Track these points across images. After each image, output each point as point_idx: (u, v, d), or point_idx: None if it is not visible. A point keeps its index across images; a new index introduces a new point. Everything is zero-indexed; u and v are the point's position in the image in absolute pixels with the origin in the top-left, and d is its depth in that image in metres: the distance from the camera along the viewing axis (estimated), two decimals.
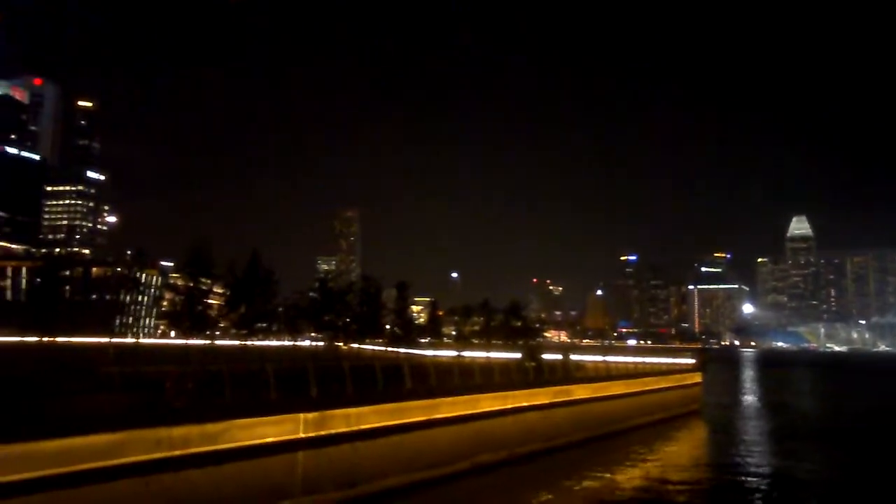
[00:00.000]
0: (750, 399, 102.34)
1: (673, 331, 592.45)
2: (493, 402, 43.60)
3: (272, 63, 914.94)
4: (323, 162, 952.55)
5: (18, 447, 21.29)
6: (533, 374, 54.76)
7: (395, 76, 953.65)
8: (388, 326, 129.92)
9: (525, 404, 46.59)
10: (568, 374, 60.64)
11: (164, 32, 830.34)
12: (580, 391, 54.70)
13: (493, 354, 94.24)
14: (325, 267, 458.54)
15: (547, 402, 49.14)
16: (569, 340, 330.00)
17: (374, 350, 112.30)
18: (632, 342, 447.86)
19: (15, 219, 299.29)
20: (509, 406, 45.05)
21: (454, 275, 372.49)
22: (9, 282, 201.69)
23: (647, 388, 67.32)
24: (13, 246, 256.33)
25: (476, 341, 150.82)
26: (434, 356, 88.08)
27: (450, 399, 40.15)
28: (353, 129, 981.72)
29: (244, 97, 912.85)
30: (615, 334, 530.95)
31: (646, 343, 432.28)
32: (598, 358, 75.64)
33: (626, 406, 61.16)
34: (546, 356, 72.86)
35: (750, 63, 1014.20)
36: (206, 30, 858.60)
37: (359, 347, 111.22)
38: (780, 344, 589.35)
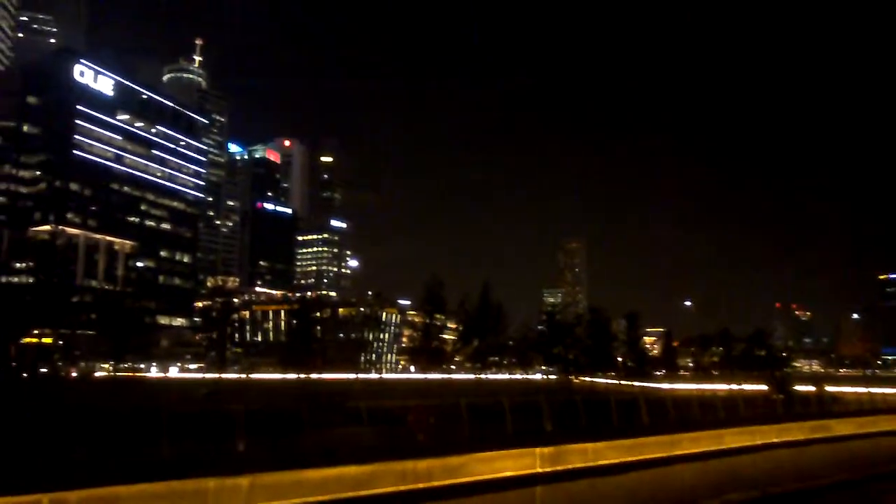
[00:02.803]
0: None
1: None
2: (738, 438, 40.76)
3: (492, 99, 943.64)
4: (546, 193, 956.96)
5: (289, 475, 23.46)
6: (782, 408, 50.55)
7: (618, 107, 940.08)
8: (619, 359, 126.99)
9: (776, 440, 43.03)
10: (823, 407, 55.20)
11: (387, 84, 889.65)
12: (841, 426, 49.38)
13: (736, 386, 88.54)
14: (552, 300, 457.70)
15: (801, 438, 44.97)
16: (822, 370, 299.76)
17: (607, 383, 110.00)
18: None
19: (274, 267, 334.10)
20: (758, 442, 41.85)
21: (687, 303, 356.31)
22: (270, 323, 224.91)
23: None
24: (273, 291, 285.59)
25: (716, 373, 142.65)
26: (671, 389, 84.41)
27: (691, 434, 38.16)
28: (575, 158, 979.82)
29: (465, 134, 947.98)
30: (878, 362, 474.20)
31: None
32: (860, 389, 68.20)
33: None
34: (797, 387, 67.12)
35: None
36: (427, 73, 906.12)
37: (591, 381, 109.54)
38: None
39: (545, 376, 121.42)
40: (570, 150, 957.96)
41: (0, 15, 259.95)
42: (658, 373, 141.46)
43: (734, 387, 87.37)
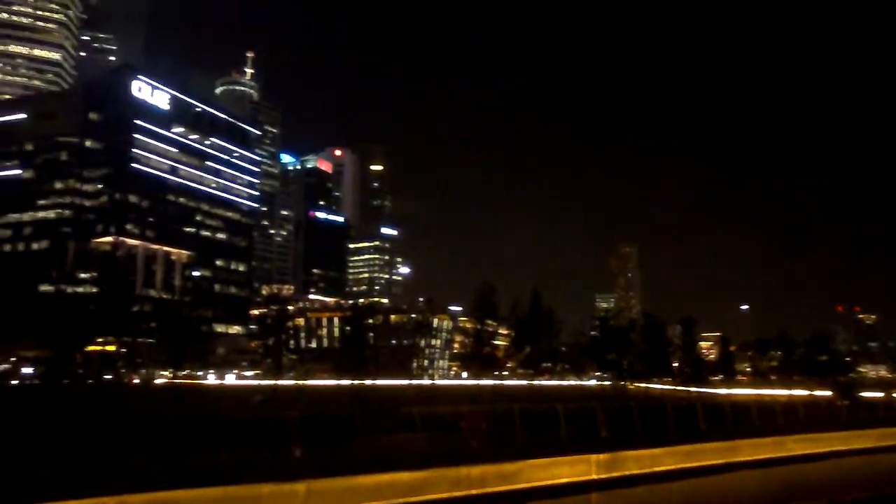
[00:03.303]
0: None
1: None
2: (801, 445, 39.63)
3: (539, 103, 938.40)
4: (595, 198, 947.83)
5: (344, 481, 23.63)
6: (848, 414, 48.94)
7: (669, 111, 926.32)
8: (675, 364, 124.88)
9: (842, 448, 41.65)
10: (893, 413, 53.23)
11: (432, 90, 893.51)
12: None
13: (796, 392, 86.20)
14: (604, 305, 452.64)
15: (870, 445, 43.42)
16: (889, 375, 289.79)
17: (662, 389, 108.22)
18: None
19: (327, 275, 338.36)
20: (822, 450, 40.58)
21: (744, 307, 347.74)
22: (325, 330, 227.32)
23: None
24: (326, 299, 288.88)
25: (774, 378, 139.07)
26: (728, 394, 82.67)
27: (750, 441, 37.24)
28: (623, 163, 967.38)
29: (513, 137, 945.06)
30: None
31: None
32: None
33: None
34: (863, 393, 65.17)
35: None
36: (467, 79, 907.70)
37: (646, 386, 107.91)
38: None
39: (599, 382, 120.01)
40: (619, 154, 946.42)
41: (64, 35, 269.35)
42: (715, 378, 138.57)
43: (797, 392, 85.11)
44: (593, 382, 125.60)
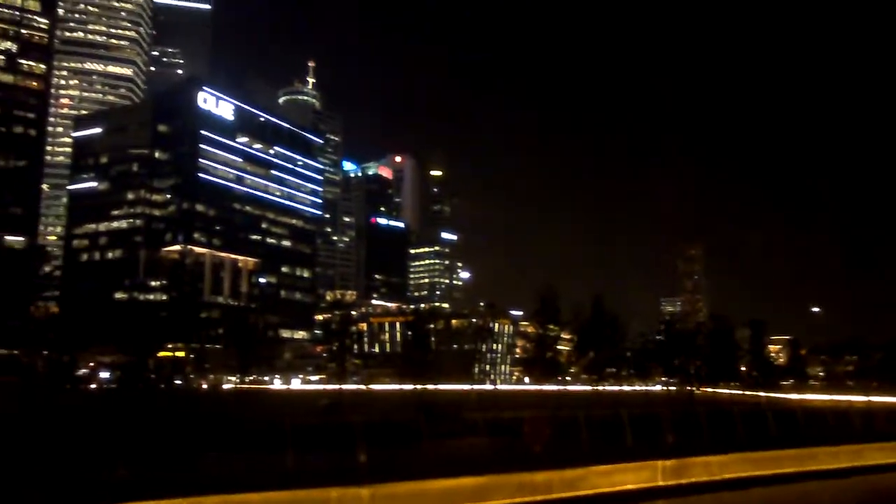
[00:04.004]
0: None
1: None
2: (882, 454, 38.14)
3: (601, 104, 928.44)
4: (661, 199, 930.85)
5: (409, 486, 23.83)
6: None
7: (726, 108, 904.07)
8: (743, 369, 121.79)
9: None
10: None
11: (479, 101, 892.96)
12: None
13: (875, 398, 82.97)
14: (670, 308, 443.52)
15: None
16: None
17: (730, 394, 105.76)
18: None
19: (389, 280, 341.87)
20: None
21: (815, 309, 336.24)
22: (387, 335, 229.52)
23: None
24: (388, 304, 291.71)
25: (850, 383, 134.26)
26: (800, 400, 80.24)
27: (825, 449, 36.03)
28: (686, 163, 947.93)
29: (575, 138, 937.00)
30: None
31: None
32: None
33: None
34: None
35: None
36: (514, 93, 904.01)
37: (713, 391, 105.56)
38: None
39: (665, 388, 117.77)
40: (681, 153, 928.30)
41: (135, 52, 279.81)
42: (785, 383, 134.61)
43: (875, 399, 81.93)
44: (659, 388, 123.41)
